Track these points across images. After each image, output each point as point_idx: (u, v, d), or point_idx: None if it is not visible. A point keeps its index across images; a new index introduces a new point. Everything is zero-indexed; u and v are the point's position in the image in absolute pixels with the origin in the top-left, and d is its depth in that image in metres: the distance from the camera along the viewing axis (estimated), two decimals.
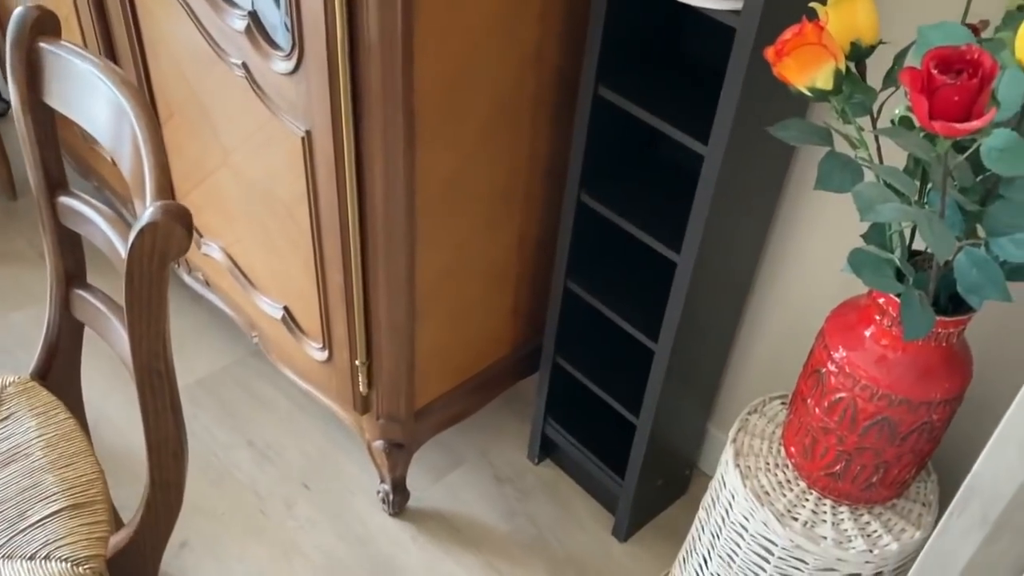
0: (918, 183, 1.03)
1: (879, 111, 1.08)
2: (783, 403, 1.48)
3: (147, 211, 0.83)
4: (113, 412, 1.96)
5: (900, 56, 1.09)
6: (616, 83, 1.39)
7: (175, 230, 0.81)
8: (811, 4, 1.05)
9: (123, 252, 0.97)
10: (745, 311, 1.70)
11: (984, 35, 1.11)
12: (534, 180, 1.58)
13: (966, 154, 0.90)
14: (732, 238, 1.46)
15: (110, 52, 1.75)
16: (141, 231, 0.82)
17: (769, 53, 1.01)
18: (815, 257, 1.54)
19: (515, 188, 1.56)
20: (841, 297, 1.28)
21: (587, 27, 1.36)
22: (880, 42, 1.06)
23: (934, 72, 0.79)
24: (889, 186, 1.00)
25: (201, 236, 1.86)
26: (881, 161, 1.10)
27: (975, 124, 0.77)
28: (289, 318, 1.70)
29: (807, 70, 0.99)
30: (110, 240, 1.10)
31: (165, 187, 0.87)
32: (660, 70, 1.44)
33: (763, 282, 1.65)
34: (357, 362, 1.57)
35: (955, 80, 0.78)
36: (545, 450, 1.96)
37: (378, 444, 1.68)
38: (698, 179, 1.31)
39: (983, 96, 0.79)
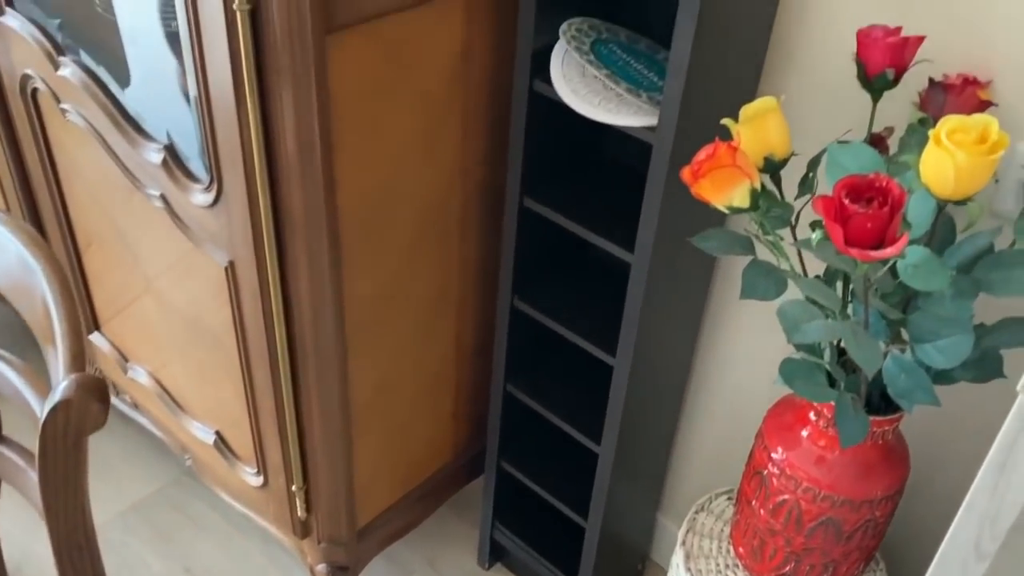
0: (840, 292, 1.05)
1: (797, 218, 1.10)
2: (729, 498, 1.48)
3: (60, 385, 0.79)
4: (41, 549, 1.86)
5: (813, 163, 1.11)
6: (541, 194, 1.40)
7: (91, 407, 0.78)
8: (723, 122, 1.08)
9: (35, 407, 0.93)
10: (685, 405, 1.70)
11: (889, 141, 1.15)
12: (466, 287, 1.57)
13: (886, 266, 0.92)
14: (666, 338, 1.47)
15: (23, 179, 1.71)
16: (54, 408, 0.79)
17: (685, 175, 1.02)
18: (749, 348, 1.56)
19: (447, 296, 1.55)
20: (778, 388, 1.29)
21: (509, 140, 1.37)
22: (792, 154, 1.09)
23: (846, 201, 0.81)
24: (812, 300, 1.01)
25: (127, 360, 1.80)
26: (804, 267, 1.12)
27: (888, 252, 0.79)
28: (222, 443, 1.65)
29: (724, 190, 1.00)
30: (21, 394, 1.05)
31: (79, 355, 0.84)
32: (585, 175, 1.46)
33: (700, 377, 1.65)
34: (294, 487, 1.52)
35: (866, 209, 0.80)
36: (495, 555, 1.92)
37: (321, 568, 1.63)
38: (628, 280, 1.31)
39: (895, 222, 0.80)
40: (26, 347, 1.20)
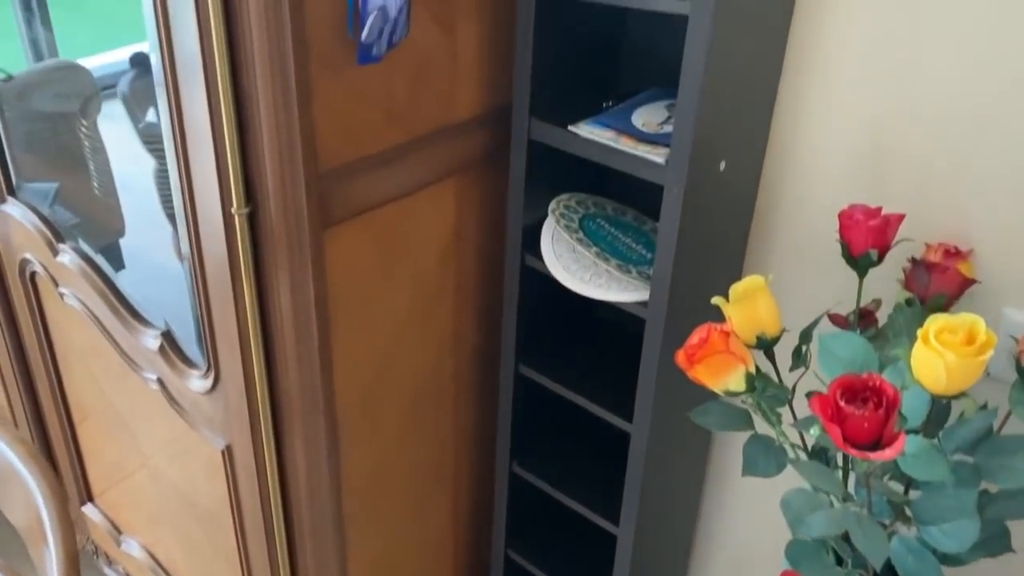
0: (841, 471, 1.05)
1: (794, 391, 1.10)
2: None
3: None
4: None
5: (805, 336, 1.13)
6: (536, 361, 1.40)
7: None
8: (714, 301, 1.09)
9: None
10: (691, 561, 1.67)
11: (878, 313, 1.16)
12: (463, 452, 1.56)
13: None
14: (669, 501, 1.45)
15: (20, 354, 1.71)
16: None
17: (681, 359, 1.03)
18: (754, 501, 1.54)
19: (445, 463, 1.54)
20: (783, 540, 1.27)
21: (503, 308, 1.38)
22: (783, 330, 1.10)
23: (841, 403, 0.81)
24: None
25: (120, 533, 1.77)
26: (804, 441, 1.12)
27: (887, 454, 0.79)
28: None
29: (719, 376, 1.01)
30: None
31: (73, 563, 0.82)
32: (579, 336, 1.47)
33: (704, 538, 1.63)
34: None
35: (862, 410, 0.81)
36: None
37: None
38: (628, 440, 1.31)
39: (891, 421, 0.81)
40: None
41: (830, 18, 1.17)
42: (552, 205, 1.29)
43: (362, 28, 1.01)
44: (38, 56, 1.92)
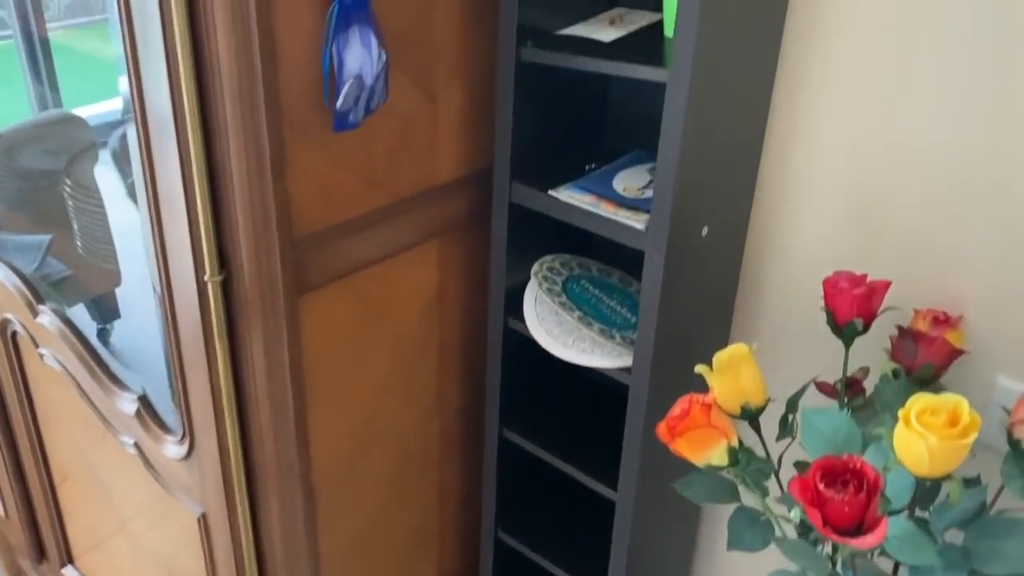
0: (829, 549, 1.01)
1: (780, 461, 1.07)
2: None
3: None
4: None
5: (791, 404, 1.10)
6: (521, 426, 1.38)
7: None
8: (697, 370, 1.07)
9: None
10: None
11: (865, 382, 1.14)
12: (447, 515, 1.53)
13: None
14: (657, 571, 1.41)
15: (2, 412, 1.69)
16: None
17: (662, 432, 1.01)
18: (745, 574, 1.50)
19: (428, 526, 1.50)
20: None
21: (486, 371, 1.36)
22: (769, 400, 1.07)
23: (821, 487, 0.79)
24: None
25: None
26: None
27: (868, 541, 0.76)
28: None
29: (701, 450, 0.98)
30: None
31: None
32: (563, 397, 1.44)
33: None
34: None
35: (843, 494, 0.78)
36: None
37: None
38: (613, 509, 1.27)
39: (873, 505, 0.78)
40: None
41: (813, 83, 1.16)
42: (535, 267, 1.27)
43: (337, 96, 1.00)
44: (43, 106, 1.93)
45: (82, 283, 1.69)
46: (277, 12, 0.95)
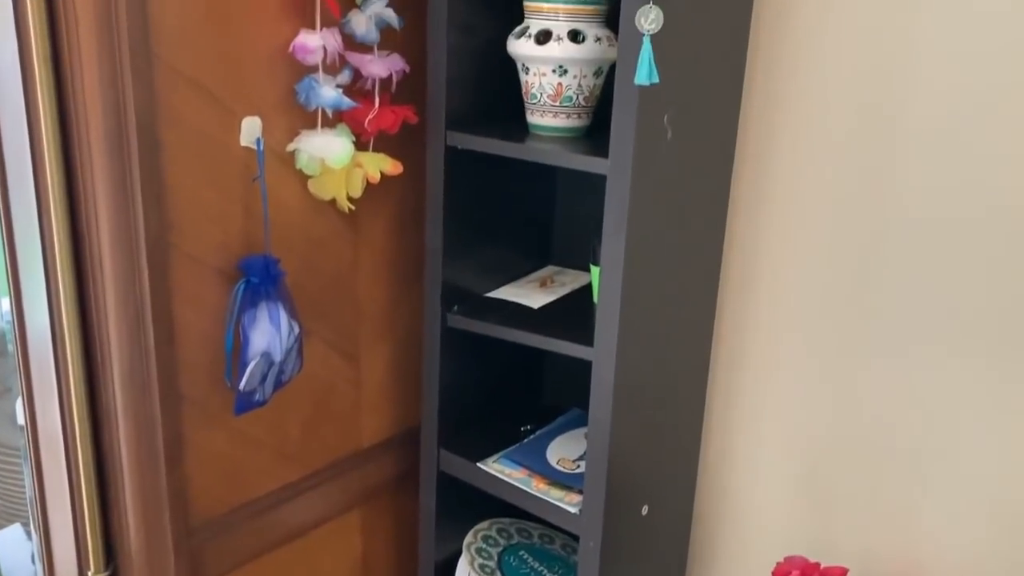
0: None
1: None
2: None
3: None
4: None
5: None
6: None
7: None
8: None
9: None
10: None
11: None
12: None
13: None
14: None
15: None
16: None
17: None
18: None
19: None
20: None
21: None
22: None
23: None
24: None
25: None
26: None
27: None
28: None
29: None
30: None
31: None
32: None
33: None
34: None
35: None
36: None
37: None
38: None
39: None
40: None
41: (749, 365, 1.11)
42: (468, 538, 1.17)
43: (241, 376, 0.93)
44: None
45: None
46: (176, 291, 0.89)
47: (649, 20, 0.80)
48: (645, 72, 0.81)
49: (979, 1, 0.91)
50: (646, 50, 0.80)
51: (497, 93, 1.05)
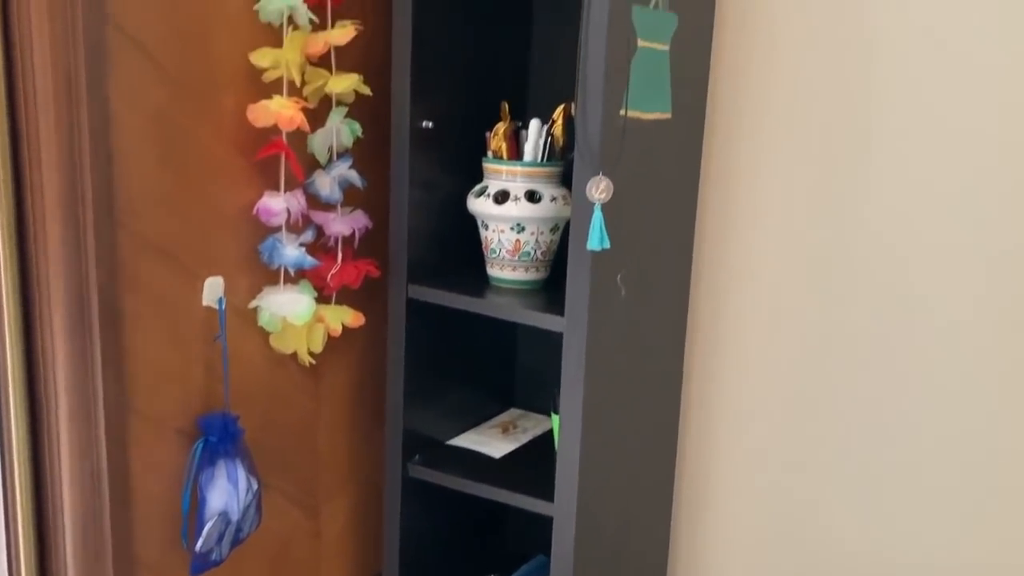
0: None
1: None
2: None
3: None
4: None
5: None
6: None
7: None
8: None
9: None
10: None
11: None
12: None
13: None
14: None
15: None
16: None
17: None
18: None
19: None
20: None
21: None
22: None
23: None
24: None
25: None
26: None
27: None
28: None
29: None
30: None
31: None
32: None
33: None
34: None
35: None
36: None
37: None
38: None
39: None
40: None
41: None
42: None
43: (197, 538, 0.92)
44: None
45: None
46: (134, 453, 0.89)
47: (600, 190, 0.84)
48: (597, 238, 0.84)
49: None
50: (597, 218, 0.84)
51: (458, 245, 1.08)
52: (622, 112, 0.86)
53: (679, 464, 1.14)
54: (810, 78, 1.02)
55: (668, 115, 0.95)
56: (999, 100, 0.94)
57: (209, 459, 0.93)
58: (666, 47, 0.92)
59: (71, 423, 0.85)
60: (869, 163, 1.00)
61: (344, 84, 0.97)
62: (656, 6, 0.89)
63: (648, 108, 0.91)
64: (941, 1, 0.95)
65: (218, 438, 0.93)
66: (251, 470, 0.96)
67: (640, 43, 0.87)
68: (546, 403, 1.18)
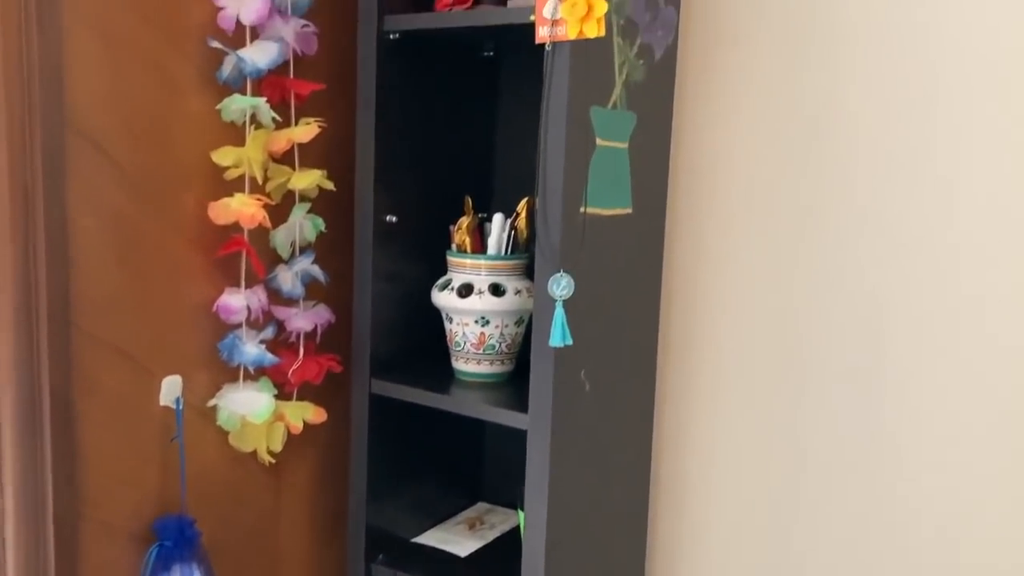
0: None
1: None
2: None
3: None
4: None
5: None
6: None
7: None
8: None
9: None
10: None
11: None
12: None
13: None
14: None
15: None
16: None
17: None
18: None
19: None
20: None
21: None
22: None
23: None
24: None
25: None
26: None
27: None
28: None
29: None
30: None
31: None
32: None
33: None
34: None
35: None
36: None
37: None
38: None
39: None
40: None
41: None
42: None
43: None
44: None
45: None
46: (84, 560, 0.86)
47: (561, 287, 0.84)
48: (559, 335, 0.84)
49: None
50: (559, 315, 0.84)
51: (422, 339, 1.07)
52: (582, 210, 0.87)
53: (649, 554, 1.12)
54: (768, 166, 1.04)
55: (629, 210, 0.96)
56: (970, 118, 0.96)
57: (164, 565, 0.90)
58: (625, 145, 0.93)
59: (19, 526, 0.82)
60: (838, 246, 1.01)
61: (307, 180, 0.97)
62: (615, 106, 0.90)
63: (608, 204, 0.92)
64: (899, 79, 0.97)
65: (173, 543, 0.90)
66: (208, 573, 0.93)
67: (599, 142, 0.89)
68: (515, 495, 1.16)
